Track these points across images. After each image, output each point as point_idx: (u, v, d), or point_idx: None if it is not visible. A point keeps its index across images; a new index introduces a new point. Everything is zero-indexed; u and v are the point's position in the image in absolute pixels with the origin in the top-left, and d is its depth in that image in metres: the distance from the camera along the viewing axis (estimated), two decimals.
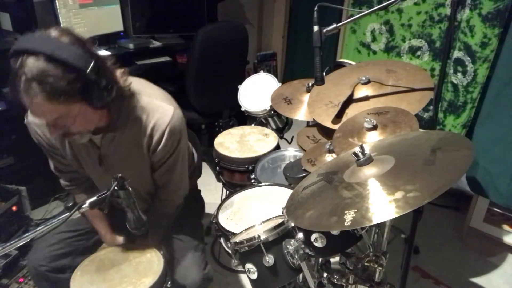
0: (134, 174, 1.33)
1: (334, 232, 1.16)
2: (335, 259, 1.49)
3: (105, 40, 2.76)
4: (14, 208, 2.10)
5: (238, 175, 1.99)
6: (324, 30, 1.40)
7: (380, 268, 1.29)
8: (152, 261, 1.35)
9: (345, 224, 0.93)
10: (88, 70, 1.06)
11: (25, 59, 1.01)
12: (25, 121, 1.36)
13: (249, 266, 1.21)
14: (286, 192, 1.53)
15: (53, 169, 1.50)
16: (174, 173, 1.44)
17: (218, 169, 2.04)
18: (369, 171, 1.05)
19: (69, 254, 1.42)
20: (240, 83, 2.34)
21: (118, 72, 1.23)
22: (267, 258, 1.16)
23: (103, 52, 2.66)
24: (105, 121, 1.25)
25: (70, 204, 0.98)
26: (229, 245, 1.33)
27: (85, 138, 1.24)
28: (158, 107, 1.31)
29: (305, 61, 3.80)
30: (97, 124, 1.23)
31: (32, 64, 1.01)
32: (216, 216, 1.54)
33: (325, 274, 1.39)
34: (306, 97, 1.88)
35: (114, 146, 1.33)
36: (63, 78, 1.03)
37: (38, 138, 1.38)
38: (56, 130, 1.15)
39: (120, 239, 1.50)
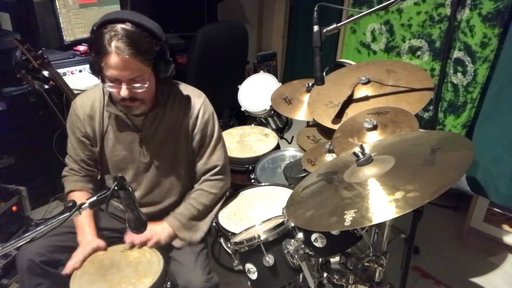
0: (170, 153, 1.49)
1: (334, 232, 1.16)
2: (335, 259, 1.49)
3: None
4: (14, 208, 2.10)
5: (238, 175, 1.99)
6: (324, 30, 1.40)
7: (380, 268, 1.29)
8: (152, 261, 1.35)
9: (345, 224, 0.93)
10: (164, 39, 1.31)
11: (115, 26, 1.22)
12: (72, 107, 1.47)
13: (249, 266, 1.21)
14: (286, 192, 1.54)
15: (68, 156, 1.54)
16: (214, 154, 1.55)
17: None
18: (369, 171, 1.05)
19: (68, 250, 1.40)
20: (240, 83, 2.34)
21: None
22: (267, 258, 1.17)
23: None
24: (153, 100, 1.41)
25: (70, 204, 0.98)
26: (229, 245, 1.33)
27: (139, 110, 1.38)
28: (193, 92, 1.51)
29: (305, 61, 3.79)
30: (150, 100, 1.39)
31: (122, 29, 1.22)
32: (216, 216, 1.54)
33: (325, 274, 1.39)
34: (306, 97, 1.88)
35: (155, 128, 1.46)
36: (147, 41, 1.26)
37: (77, 125, 1.45)
38: (129, 90, 1.28)
39: (102, 243, 1.41)
